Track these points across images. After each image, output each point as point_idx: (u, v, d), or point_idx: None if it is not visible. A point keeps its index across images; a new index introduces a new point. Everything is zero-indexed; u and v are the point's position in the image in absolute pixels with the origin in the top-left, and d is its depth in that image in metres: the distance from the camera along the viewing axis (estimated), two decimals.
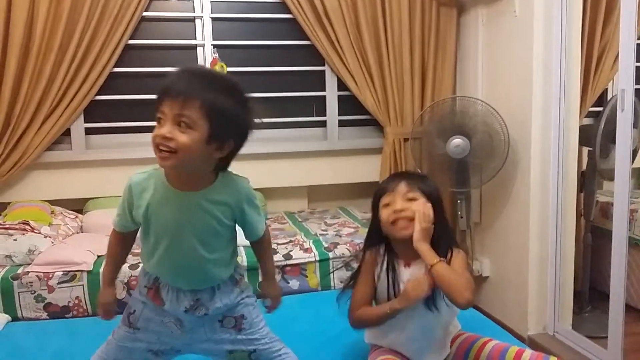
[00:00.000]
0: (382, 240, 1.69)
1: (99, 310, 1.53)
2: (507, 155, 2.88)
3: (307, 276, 2.68)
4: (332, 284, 2.69)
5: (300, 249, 2.74)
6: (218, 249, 1.42)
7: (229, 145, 1.33)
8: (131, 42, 3.25)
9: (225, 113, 1.28)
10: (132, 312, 1.49)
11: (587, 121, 3.09)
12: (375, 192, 1.71)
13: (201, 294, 1.43)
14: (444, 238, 1.63)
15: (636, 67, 2.25)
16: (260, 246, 1.56)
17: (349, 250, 2.73)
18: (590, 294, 3.03)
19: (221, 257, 1.44)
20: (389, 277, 1.64)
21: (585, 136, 2.83)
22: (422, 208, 1.57)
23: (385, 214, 1.62)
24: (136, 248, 1.59)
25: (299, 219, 3.38)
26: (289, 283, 2.66)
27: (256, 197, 1.47)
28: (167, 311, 1.44)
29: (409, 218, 1.58)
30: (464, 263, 1.61)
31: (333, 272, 2.66)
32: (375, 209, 1.69)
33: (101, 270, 1.55)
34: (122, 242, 1.51)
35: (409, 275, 1.63)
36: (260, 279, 1.68)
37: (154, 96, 1.31)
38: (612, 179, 2.41)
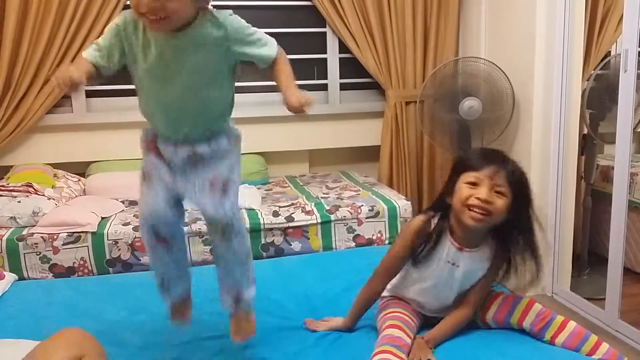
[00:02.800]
0: (442, 210, 1.63)
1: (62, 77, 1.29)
2: (512, 111, 2.87)
3: (309, 238, 2.70)
4: (333, 245, 2.72)
5: (302, 211, 2.75)
6: (208, 88, 1.40)
7: None
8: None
9: None
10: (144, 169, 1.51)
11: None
12: (462, 159, 1.61)
13: (197, 147, 1.44)
14: (508, 236, 1.59)
15: None
16: (274, 69, 1.42)
17: (350, 212, 2.75)
18: (588, 257, 3.06)
19: (212, 97, 1.42)
20: (427, 245, 1.59)
21: (588, 99, 2.81)
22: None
23: (466, 192, 1.51)
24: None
25: (301, 183, 3.39)
26: (291, 245, 2.69)
27: (245, 27, 1.38)
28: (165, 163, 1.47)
29: (488, 212, 1.49)
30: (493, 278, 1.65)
31: None
32: (455, 175, 1.57)
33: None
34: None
35: (460, 261, 1.58)
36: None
37: None
38: (613, 142, 2.41)
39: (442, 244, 1.59)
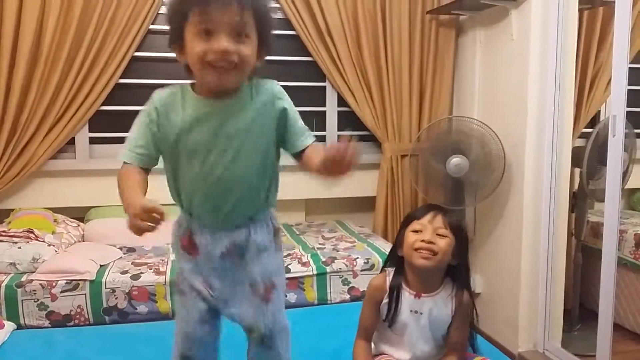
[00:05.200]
0: (396, 264, 1.76)
1: (132, 219, 1.18)
2: (503, 174, 2.95)
3: (304, 289, 2.73)
4: (328, 297, 2.75)
5: (299, 262, 2.79)
6: (255, 164, 1.31)
7: (267, 52, 1.27)
8: (137, 54, 3.31)
9: (269, 18, 1.24)
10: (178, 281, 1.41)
11: (579, 142, 3.17)
12: (406, 217, 1.77)
13: (237, 235, 1.36)
14: (462, 277, 1.72)
15: (628, 90, 2.31)
16: (310, 150, 1.32)
17: (345, 265, 2.79)
18: (579, 313, 3.10)
19: (258, 175, 1.33)
20: (391, 304, 1.69)
21: (577, 157, 2.90)
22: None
23: (412, 238, 1.66)
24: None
25: (297, 232, 3.44)
26: (287, 296, 2.71)
27: (290, 103, 1.33)
28: (200, 265, 1.37)
29: (433, 251, 1.63)
30: (467, 318, 1.73)
31: None
32: (402, 229, 1.73)
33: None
34: (140, 177, 1.32)
35: (422, 308, 1.68)
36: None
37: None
38: (602, 199, 2.48)
39: (402, 296, 1.70)
